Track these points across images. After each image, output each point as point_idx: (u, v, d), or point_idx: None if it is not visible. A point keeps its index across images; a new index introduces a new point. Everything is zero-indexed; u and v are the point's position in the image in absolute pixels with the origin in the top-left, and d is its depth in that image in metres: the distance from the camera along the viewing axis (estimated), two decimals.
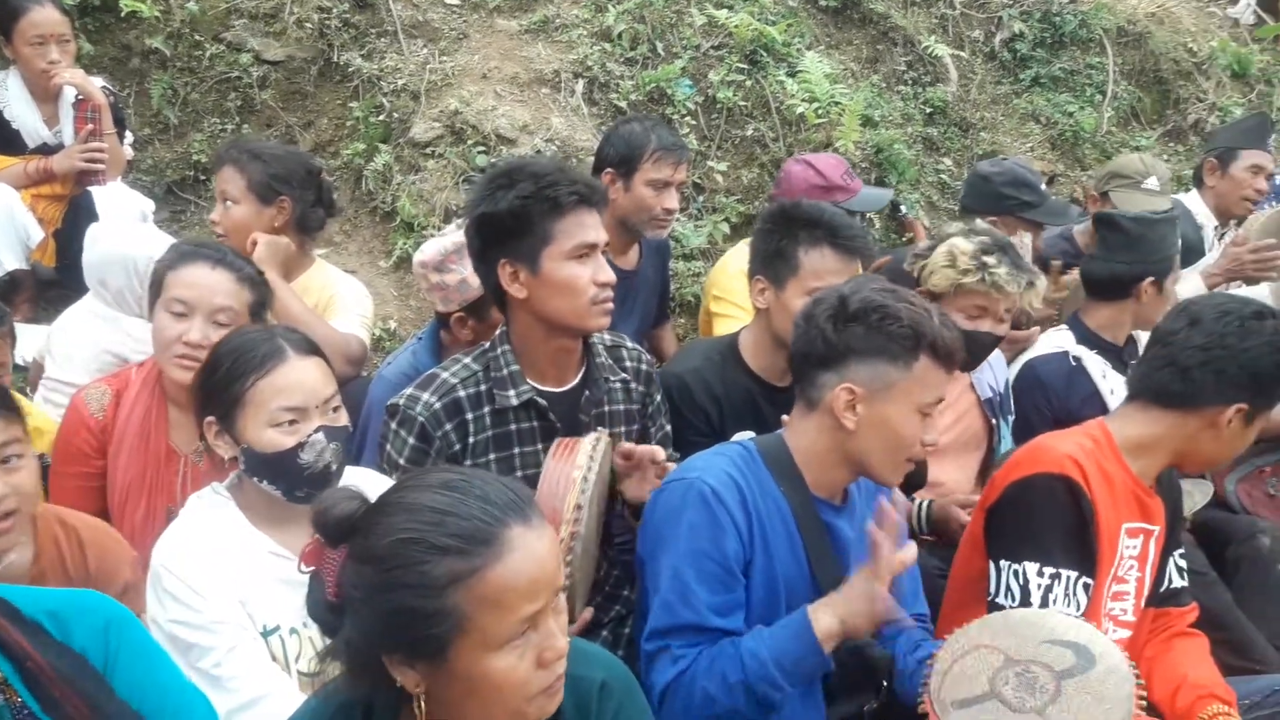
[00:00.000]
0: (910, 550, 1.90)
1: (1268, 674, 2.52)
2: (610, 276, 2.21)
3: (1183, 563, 2.45)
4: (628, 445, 2.23)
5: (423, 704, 1.35)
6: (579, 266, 2.17)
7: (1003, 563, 2.16)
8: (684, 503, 1.93)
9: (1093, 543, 2.16)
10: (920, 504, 2.85)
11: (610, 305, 2.22)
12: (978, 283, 2.74)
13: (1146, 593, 2.33)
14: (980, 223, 3.15)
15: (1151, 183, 4.18)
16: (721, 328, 3.37)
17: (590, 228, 2.19)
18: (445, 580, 1.26)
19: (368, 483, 1.93)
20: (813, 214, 2.63)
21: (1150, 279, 3.19)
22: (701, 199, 4.49)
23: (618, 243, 3.43)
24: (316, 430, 1.97)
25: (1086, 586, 2.14)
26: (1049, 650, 1.80)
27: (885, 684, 2.07)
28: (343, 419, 2.06)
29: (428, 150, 4.14)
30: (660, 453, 2.23)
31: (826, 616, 1.85)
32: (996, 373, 3.20)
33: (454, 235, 2.74)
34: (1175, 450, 2.25)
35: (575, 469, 1.98)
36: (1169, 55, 5.89)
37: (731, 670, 1.84)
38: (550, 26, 4.55)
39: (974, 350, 2.90)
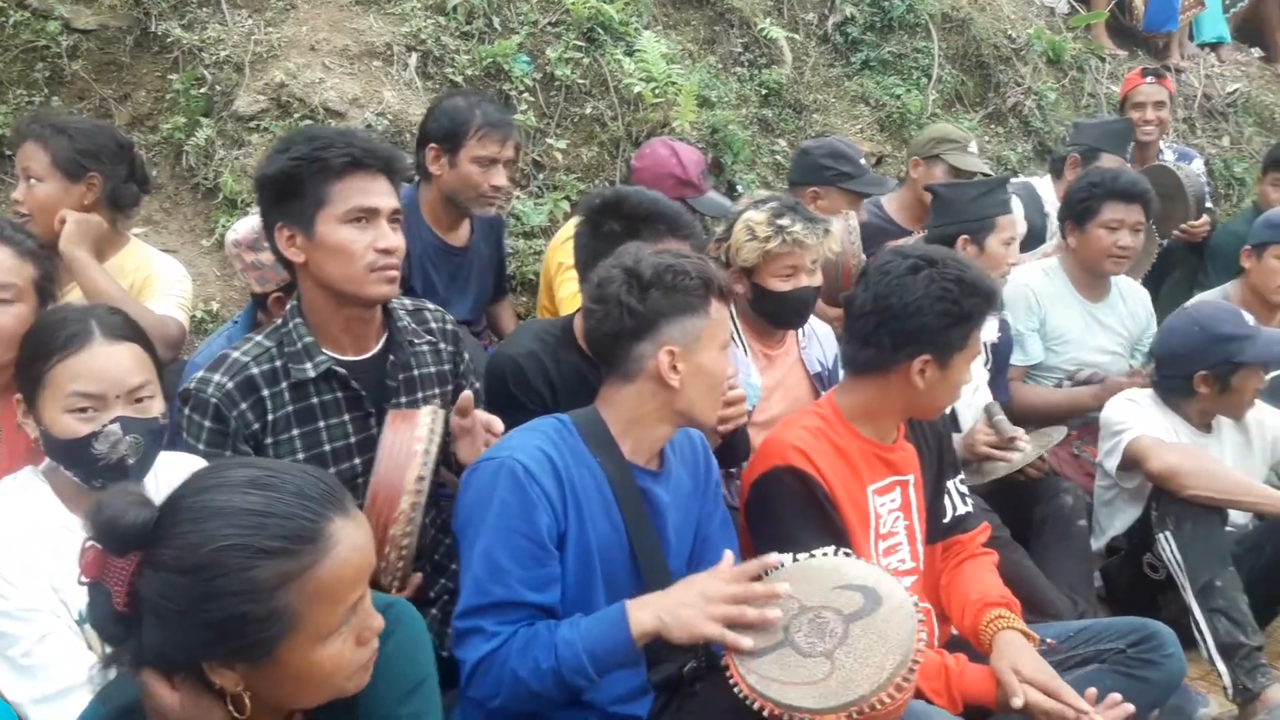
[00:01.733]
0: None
1: (1060, 622, 2.70)
2: (394, 243, 2.17)
3: (963, 488, 2.59)
4: (467, 400, 2.23)
5: (246, 701, 1.33)
6: (355, 231, 2.13)
7: None
8: (495, 481, 1.94)
9: (835, 517, 2.28)
10: None
11: (394, 274, 2.18)
12: (781, 245, 2.89)
13: (922, 534, 2.46)
14: (760, 191, 3.31)
15: (973, 147, 4.46)
16: (565, 290, 3.37)
17: (370, 192, 2.14)
18: (275, 583, 1.25)
19: (183, 467, 1.90)
20: (651, 208, 2.63)
21: (964, 237, 3.43)
22: (541, 177, 4.48)
23: (446, 219, 3.39)
24: (113, 421, 1.89)
25: (849, 555, 2.22)
26: (840, 595, 1.87)
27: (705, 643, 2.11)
28: (153, 409, 1.98)
29: (252, 124, 4.00)
30: (498, 424, 2.24)
31: (645, 614, 1.85)
32: (825, 348, 3.33)
33: None
34: (896, 408, 2.38)
35: (416, 442, 1.97)
36: (990, 41, 6.16)
37: (544, 656, 1.86)
38: None
39: (798, 307, 3.07)
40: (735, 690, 1.80)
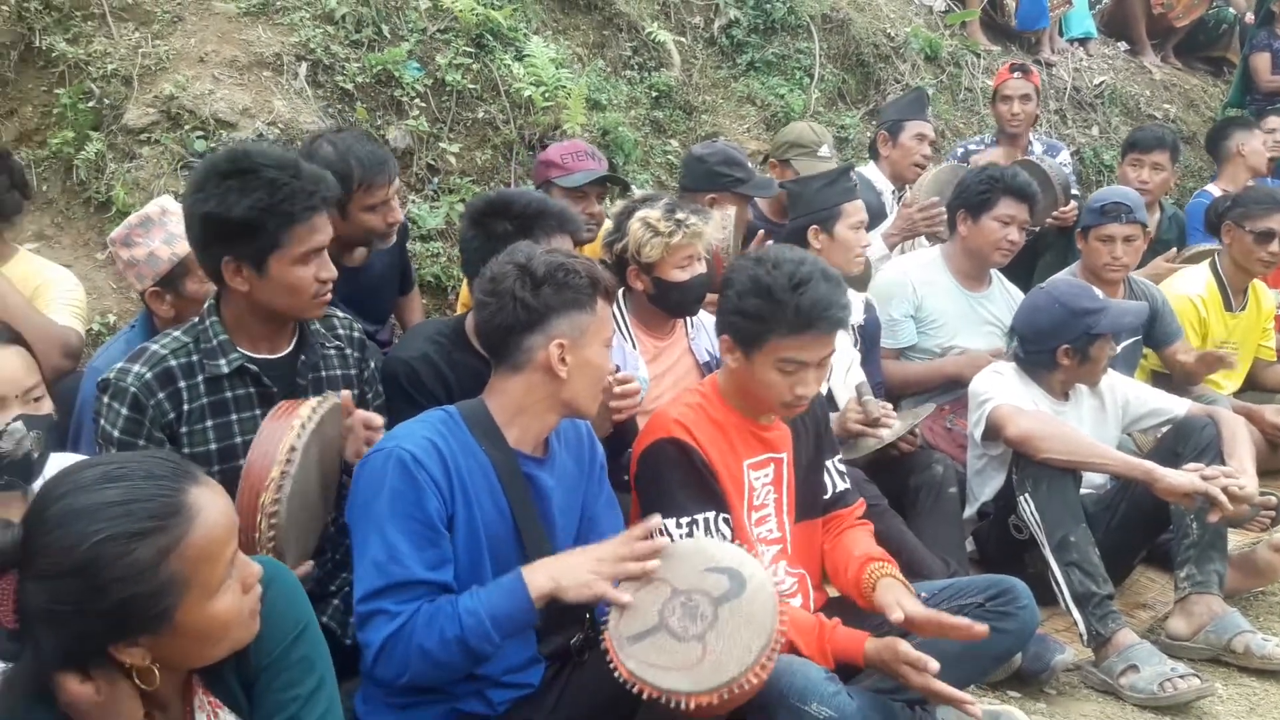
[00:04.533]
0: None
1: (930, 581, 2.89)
2: (332, 272, 2.33)
3: (841, 467, 2.78)
4: (346, 396, 2.34)
5: (156, 672, 1.46)
6: (305, 269, 2.27)
7: None
8: (385, 470, 2.05)
9: (714, 486, 2.47)
10: None
11: (329, 297, 2.35)
12: (683, 238, 3.10)
13: (790, 509, 2.65)
14: (637, 191, 3.61)
15: (824, 150, 4.59)
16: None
17: (319, 230, 2.28)
18: (156, 559, 1.38)
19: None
20: (540, 206, 2.78)
21: (814, 227, 3.68)
22: (436, 180, 4.57)
23: (341, 249, 3.42)
24: (15, 419, 1.98)
25: (727, 521, 2.45)
26: (708, 577, 1.97)
27: (589, 616, 2.25)
28: (45, 407, 2.09)
29: (142, 137, 4.02)
30: (377, 419, 2.36)
31: (540, 576, 2.01)
32: (712, 338, 3.49)
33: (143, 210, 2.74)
34: (748, 393, 2.54)
35: (295, 419, 2.07)
36: (869, 40, 6.42)
37: (449, 627, 1.98)
38: (270, 9, 4.49)
39: (699, 294, 3.26)
40: (615, 675, 1.92)
